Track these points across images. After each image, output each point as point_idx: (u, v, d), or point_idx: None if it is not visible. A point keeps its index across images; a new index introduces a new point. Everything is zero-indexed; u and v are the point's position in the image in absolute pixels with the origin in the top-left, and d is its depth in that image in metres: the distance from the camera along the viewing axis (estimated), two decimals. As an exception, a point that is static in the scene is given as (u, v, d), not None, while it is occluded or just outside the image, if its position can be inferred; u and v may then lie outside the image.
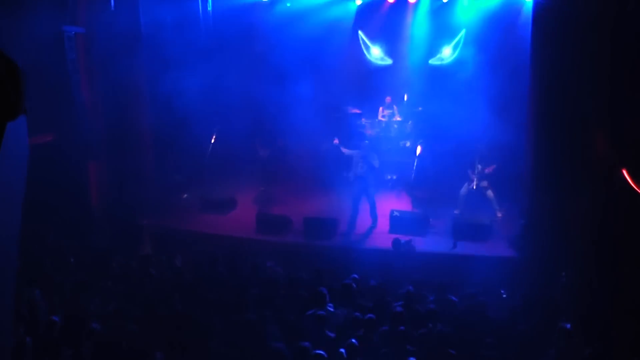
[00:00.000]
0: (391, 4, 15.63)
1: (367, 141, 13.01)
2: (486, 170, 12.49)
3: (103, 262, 9.70)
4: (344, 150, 12.69)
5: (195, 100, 14.88)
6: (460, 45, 15.18)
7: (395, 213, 12.46)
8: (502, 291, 9.57)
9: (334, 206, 13.14)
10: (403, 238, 11.16)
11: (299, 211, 12.78)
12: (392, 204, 13.38)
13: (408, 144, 14.62)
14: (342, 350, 6.49)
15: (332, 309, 7.75)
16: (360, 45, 16.08)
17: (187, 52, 14.79)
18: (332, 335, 7.08)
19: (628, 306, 8.26)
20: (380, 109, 15.69)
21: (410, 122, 14.57)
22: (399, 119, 15.41)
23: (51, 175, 10.92)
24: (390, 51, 15.87)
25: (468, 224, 11.90)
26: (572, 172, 10.28)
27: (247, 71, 15.84)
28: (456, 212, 12.64)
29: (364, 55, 16.12)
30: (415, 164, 13.02)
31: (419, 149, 13.18)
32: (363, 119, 15.84)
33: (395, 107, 15.55)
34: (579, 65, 9.88)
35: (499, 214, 12.58)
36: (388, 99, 15.60)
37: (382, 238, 11.79)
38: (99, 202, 12.94)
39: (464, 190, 12.47)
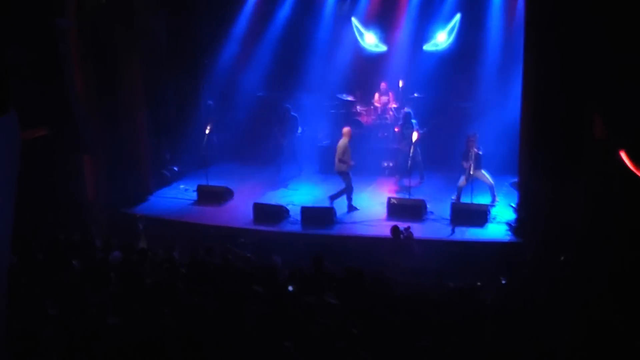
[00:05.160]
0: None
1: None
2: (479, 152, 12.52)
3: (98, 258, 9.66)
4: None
5: (193, 89, 14.94)
6: (455, 30, 15.09)
7: (393, 200, 12.46)
8: (501, 278, 9.55)
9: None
10: (401, 225, 11.13)
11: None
12: (389, 189, 13.48)
13: (397, 129, 14.62)
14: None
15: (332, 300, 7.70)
16: (354, 33, 15.97)
17: (183, 41, 14.82)
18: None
19: (628, 290, 8.25)
20: (376, 95, 15.62)
21: (406, 108, 14.50)
22: (394, 105, 15.34)
23: (45, 169, 10.90)
24: (384, 38, 15.77)
25: (465, 209, 11.93)
26: (569, 154, 10.26)
27: (241, 59, 15.87)
28: (453, 197, 12.62)
29: (358, 42, 16.02)
30: (411, 151, 13.02)
31: (415, 136, 13.17)
32: (358, 106, 15.79)
33: (390, 93, 15.49)
34: (577, 44, 9.83)
35: (497, 199, 12.58)
36: (383, 85, 15.52)
37: (380, 226, 11.78)
38: (94, 196, 12.91)
39: (461, 182, 12.41)
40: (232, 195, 13.65)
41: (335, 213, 12.23)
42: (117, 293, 7.40)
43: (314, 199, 13.30)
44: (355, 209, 12.69)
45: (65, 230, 10.77)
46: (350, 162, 12.60)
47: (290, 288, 7.93)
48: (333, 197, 12.70)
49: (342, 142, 12.79)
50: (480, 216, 11.76)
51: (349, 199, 12.65)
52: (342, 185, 12.73)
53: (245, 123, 15.82)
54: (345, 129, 12.96)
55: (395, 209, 12.24)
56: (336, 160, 12.70)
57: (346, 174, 12.59)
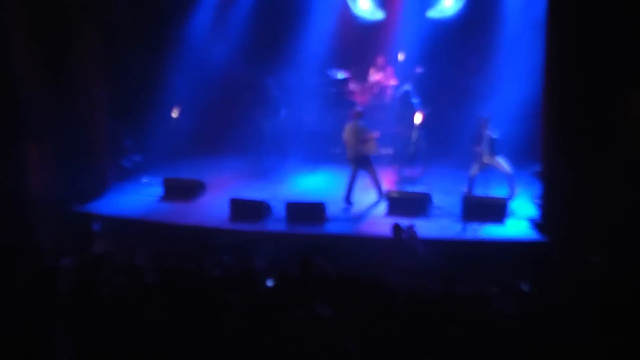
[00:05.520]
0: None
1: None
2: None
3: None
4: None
5: (158, 65, 14.74)
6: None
7: (393, 194, 12.48)
8: (521, 283, 9.38)
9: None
10: (403, 222, 10.98)
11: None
12: (388, 183, 13.44)
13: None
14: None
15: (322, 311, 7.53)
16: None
17: (146, 9, 14.67)
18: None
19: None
20: (372, 71, 15.53)
21: (406, 85, 14.36)
22: (393, 82, 15.26)
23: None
24: (381, 3, 15.63)
25: (479, 203, 11.91)
26: (602, 139, 10.09)
27: (214, 30, 15.76)
28: (464, 189, 12.64)
29: (350, 9, 15.85)
30: (413, 135, 12.89)
31: (418, 117, 13.04)
32: (351, 84, 15.73)
33: (389, 68, 15.39)
34: (610, 14, 9.65)
35: (516, 190, 12.47)
36: (380, 60, 15.42)
37: (379, 223, 11.81)
38: (41, 192, 12.68)
39: (473, 170, 12.44)
40: (205, 190, 13.64)
41: (326, 209, 12.19)
42: (68, 307, 7.17)
43: (300, 192, 13.35)
44: (350, 203, 12.69)
45: (5, 233, 10.60)
46: (376, 134, 12.77)
47: (269, 283, 7.97)
48: (380, 194, 12.79)
49: (358, 124, 12.77)
50: (496, 211, 11.72)
51: (350, 190, 12.72)
52: (356, 175, 12.76)
53: (219, 105, 15.72)
54: (356, 110, 13.00)
55: (395, 204, 12.25)
56: (352, 144, 12.69)
57: (368, 158, 12.70)
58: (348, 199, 12.70)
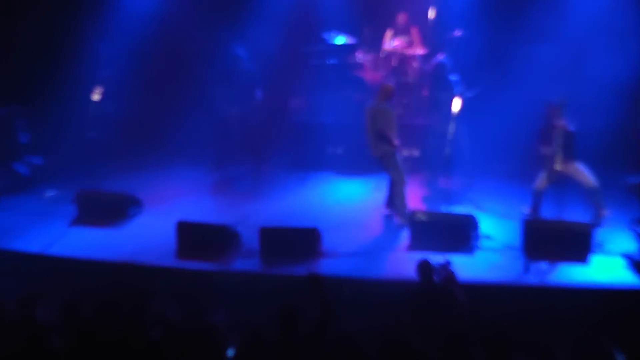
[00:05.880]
0: None
1: None
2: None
3: None
4: None
5: (69, 27, 14.74)
6: None
7: (420, 216, 12.48)
8: (613, 350, 9.29)
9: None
10: (435, 259, 10.87)
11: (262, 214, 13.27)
12: (412, 198, 13.50)
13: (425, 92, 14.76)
14: None
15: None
16: None
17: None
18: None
19: None
20: (389, 34, 15.65)
21: (440, 55, 14.32)
22: (421, 51, 15.30)
23: None
24: None
25: (549, 230, 11.84)
26: None
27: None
28: (526, 211, 12.72)
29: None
30: (452, 130, 12.89)
31: (457, 104, 13.06)
32: (358, 54, 15.81)
33: (414, 30, 15.46)
34: None
35: (604, 212, 12.40)
36: (402, 18, 15.55)
37: (398, 260, 11.85)
38: None
39: (540, 183, 12.52)
40: (140, 209, 13.69)
41: (320, 237, 12.17)
42: None
43: (283, 213, 13.44)
44: (391, 214, 13.06)
45: None
46: (395, 140, 12.82)
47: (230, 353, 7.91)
48: (387, 205, 13.15)
49: (379, 106, 12.82)
50: (575, 243, 11.66)
51: (391, 201, 13.10)
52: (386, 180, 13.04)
53: (163, 84, 15.90)
54: (386, 86, 12.99)
55: (423, 231, 12.30)
56: (369, 136, 12.80)
57: (391, 157, 12.84)
58: (389, 209, 13.11)
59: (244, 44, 15.20)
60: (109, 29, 15.47)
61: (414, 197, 13.65)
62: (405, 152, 14.63)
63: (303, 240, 12.06)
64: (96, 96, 13.93)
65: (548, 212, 12.42)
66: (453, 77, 14.01)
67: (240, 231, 12.38)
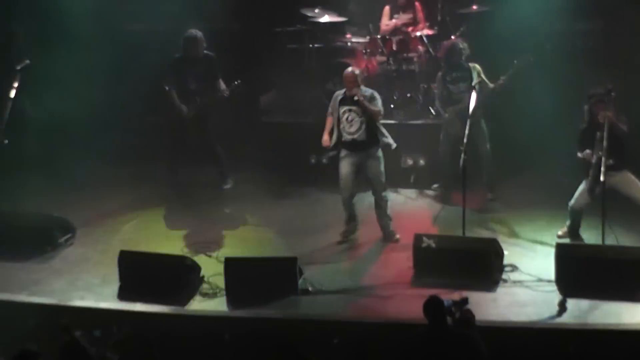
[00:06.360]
0: None
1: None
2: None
3: None
4: None
5: None
6: None
7: (427, 241, 12.45)
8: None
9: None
10: (447, 296, 10.97)
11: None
12: (417, 219, 13.58)
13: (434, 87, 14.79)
14: None
15: None
16: None
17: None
18: None
19: None
20: (386, 11, 15.72)
21: (453, 37, 14.44)
22: (427, 32, 15.38)
23: None
24: None
25: (591, 258, 11.76)
26: None
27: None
28: (561, 234, 12.89)
29: None
30: (467, 131, 12.85)
31: (472, 100, 13.07)
32: (350, 36, 15.89)
33: (417, 4, 15.55)
34: None
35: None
36: None
37: (400, 297, 11.87)
38: None
39: (579, 199, 12.54)
40: (71, 236, 13.73)
41: (299, 269, 12.23)
42: None
43: (254, 239, 13.65)
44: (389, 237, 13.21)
45: None
46: (329, 140, 13.25)
47: None
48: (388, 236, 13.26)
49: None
50: (625, 274, 11.52)
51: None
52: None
53: (98, 76, 15.90)
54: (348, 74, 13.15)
55: (432, 260, 12.37)
56: None
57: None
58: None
59: (199, 25, 15.20)
60: (28, 6, 15.61)
61: (421, 217, 13.75)
62: (408, 160, 14.82)
63: (279, 274, 12.06)
64: (11, 91, 13.78)
65: (589, 235, 12.51)
66: (470, 65, 14.06)
67: (199, 263, 12.39)
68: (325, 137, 13.02)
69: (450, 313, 10.46)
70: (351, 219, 13.21)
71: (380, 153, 12.93)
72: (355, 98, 12.63)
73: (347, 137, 12.84)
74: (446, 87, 14.24)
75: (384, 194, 13.03)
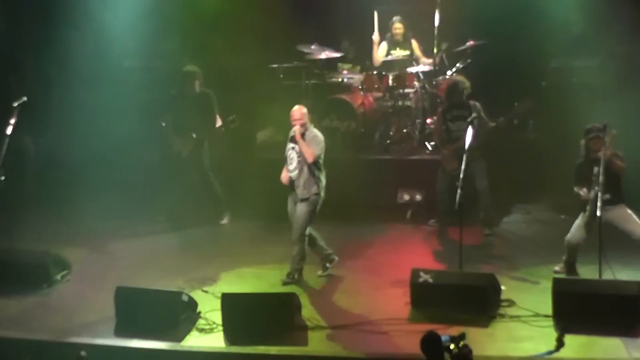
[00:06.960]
0: None
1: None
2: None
3: None
4: None
5: None
6: None
7: (424, 276, 12.46)
8: None
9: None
10: (444, 331, 10.95)
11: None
12: (414, 255, 13.59)
13: (429, 121, 14.88)
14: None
15: None
16: None
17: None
18: None
19: None
20: (381, 45, 15.90)
21: (453, 70, 14.48)
22: (426, 67, 15.46)
23: None
24: None
25: (589, 293, 11.71)
26: None
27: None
28: (558, 269, 12.93)
29: None
30: (463, 167, 12.86)
31: (469, 133, 13.06)
32: (346, 71, 15.99)
33: (414, 41, 15.78)
34: None
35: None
36: (398, 27, 15.91)
37: (398, 333, 11.78)
38: None
39: (576, 233, 12.54)
40: (67, 272, 13.72)
41: (299, 304, 12.20)
42: None
43: (253, 275, 13.69)
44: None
45: None
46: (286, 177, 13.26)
47: None
48: None
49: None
50: (624, 309, 11.46)
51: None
52: None
53: (97, 113, 15.98)
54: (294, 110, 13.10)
55: (428, 295, 12.36)
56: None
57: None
58: None
59: (196, 60, 15.35)
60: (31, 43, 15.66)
61: (418, 253, 13.73)
62: (405, 196, 14.85)
63: (276, 309, 12.02)
64: (9, 126, 13.76)
65: (586, 271, 12.50)
66: (471, 103, 14.08)
67: (196, 299, 12.39)
68: (283, 174, 13.08)
69: (447, 350, 10.50)
70: (301, 257, 13.13)
71: (312, 197, 12.93)
72: (291, 134, 12.70)
73: (289, 174, 12.92)
74: (445, 124, 14.22)
75: (297, 237, 13.00)
